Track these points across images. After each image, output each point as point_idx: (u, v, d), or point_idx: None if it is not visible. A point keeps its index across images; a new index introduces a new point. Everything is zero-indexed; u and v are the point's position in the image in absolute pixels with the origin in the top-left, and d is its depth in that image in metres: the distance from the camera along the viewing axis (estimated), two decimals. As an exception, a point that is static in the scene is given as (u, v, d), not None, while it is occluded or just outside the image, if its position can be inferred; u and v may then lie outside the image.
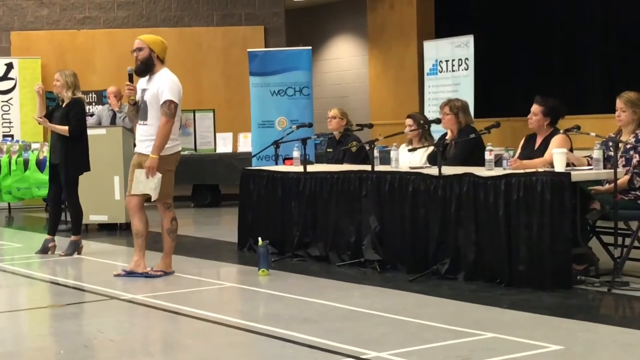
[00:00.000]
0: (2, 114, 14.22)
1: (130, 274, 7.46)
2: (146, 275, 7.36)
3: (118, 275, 7.54)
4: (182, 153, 13.47)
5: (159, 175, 7.28)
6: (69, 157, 8.66)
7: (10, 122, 14.23)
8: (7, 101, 14.21)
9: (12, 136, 14.09)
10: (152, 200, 7.38)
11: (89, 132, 9.02)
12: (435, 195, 6.96)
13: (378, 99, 16.07)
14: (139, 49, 7.42)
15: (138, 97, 7.44)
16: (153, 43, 7.45)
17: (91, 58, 14.51)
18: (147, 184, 7.29)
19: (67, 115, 8.69)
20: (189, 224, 12.11)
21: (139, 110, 7.43)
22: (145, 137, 7.37)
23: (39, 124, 8.98)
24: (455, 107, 8.12)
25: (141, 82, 7.49)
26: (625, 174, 6.78)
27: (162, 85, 7.31)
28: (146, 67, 7.41)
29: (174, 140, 7.41)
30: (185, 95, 15.69)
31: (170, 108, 7.26)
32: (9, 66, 14.24)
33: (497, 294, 6.28)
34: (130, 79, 7.48)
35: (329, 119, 9.58)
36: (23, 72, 14.25)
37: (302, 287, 6.86)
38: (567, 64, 13.08)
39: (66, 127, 8.63)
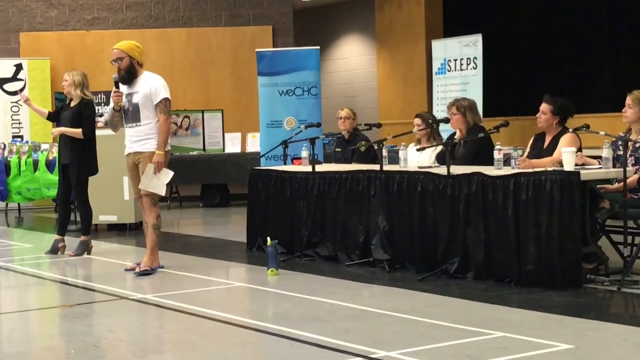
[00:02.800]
0: (12, 115, 14.26)
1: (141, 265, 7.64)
2: (136, 273, 7.45)
3: (130, 269, 7.67)
4: (191, 153, 13.73)
5: (167, 171, 7.48)
6: (79, 158, 8.68)
7: (19, 123, 14.27)
8: (16, 102, 14.24)
9: (21, 137, 14.13)
10: (162, 195, 7.56)
11: (98, 132, 9.04)
12: (444, 194, 6.96)
13: (386, 99, 16.07)
14: (119, 59, 7.58)
15: (125, 103, 7.60)
16: (131, 50, 7.61)
17: (100, 59, 14.53)
18: (152, 180, 7.43)
19: (77, 115, 8.69)
20: (197, 223, 12.13)
21: (123, 116, 7.61)
22: (141, 137, 7.55)
23: (53, 135, 8.98)
24: (462, 106, 8.09)
25: (122, 88, 7.64)
26: (635, 172, 6.76)
27: (153, 85, 7.52)
28: (131, 75, 7.60)
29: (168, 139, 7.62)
30: (194, 95, 15.77)
31: (166, 106, 7.52)
32: (19, 67, 14.28)
33: (506, 293, 6.27)
34: (117, 86, 7.61)
35: (342, 119, 9.57)
36: (32, 73, 14.29)
37: (310, 286, 6.86)
38: (576, 63, 13.05)
39: (79, 130, 8.63)
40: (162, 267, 7.66)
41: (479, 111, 8.45)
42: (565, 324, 5.38)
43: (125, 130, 7.70)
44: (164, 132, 7.49)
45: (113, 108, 7.63)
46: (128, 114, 7.60)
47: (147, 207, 7.60)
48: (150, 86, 7.51)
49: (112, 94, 7.63)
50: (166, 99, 7.51)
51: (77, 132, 8.65)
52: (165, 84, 7.59)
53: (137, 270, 7.52)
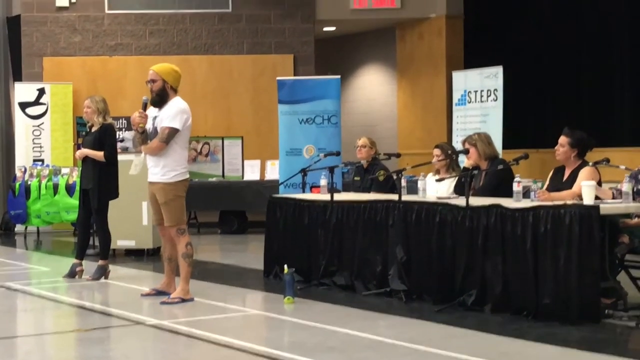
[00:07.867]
0: (33, 139, 14.36)
1: (160, 293, 7.61)
2: (163, 303, 7.34)
3: (147, 295, 7.67)
4: (210, 180, 13.76)
5: (142, 156, 7.57)
6: (101, 183, 8.71)
7: (41, 147, 14.37)
8: (38, 126, 14.35)
9: (42, 161, 14.22)
10: (132, 173, 7.76)
11: (119, 157, 9.08)
12: (462, 226, 6.94)
13: (406, 129, 16.08)
14: (153, 81, 7.51)
15: (149, 125, 7.50)
16: (166, 74, 7.52)
17: (122, 84, 14.65)
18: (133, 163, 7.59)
19: (98, 140, 8.75)
20: (215, 250, 12.14)
21: (146, 138, 7.48)
22: (156, 164, 7.46)
23: (78, 157, 8.97)
24: (472, 139, 8.11)
25: (152, 110, 7.57)
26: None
27: (172, 111, 7.39)
28: (161, 99, 7.49)
29: (184, 168, 7.49)
30: (214, 122, 15.79)
31: (168, 135, 7.35)
32: (41, 91, 14.40)
33: (523, 327, 6.23)
34: (144, 108, 7.52)
35: (359, 148, 9.57)
36: (54, 98, 14.40)
37: (327, 315, 6.84)
38: (597, 96, 13.02)
39: (101, 153, 8.69)
40: (192, 299, 7.48)
41: (493, 143, 8.36)
42: (584, 359, 5.33)
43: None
44: (151, 149, 7.37)
45: (136, 129, 7.52)
46: (150, 137, 7.48)
47: (175, 237, 7.49)
48: (170, 112, 7.41)
49: (136, 114, 7.46)
50: (172, 129, 7.33)
51: (99, 154, 8.68)
52: (183, 113, 7.39)
53: (167, 300, 7.37)
